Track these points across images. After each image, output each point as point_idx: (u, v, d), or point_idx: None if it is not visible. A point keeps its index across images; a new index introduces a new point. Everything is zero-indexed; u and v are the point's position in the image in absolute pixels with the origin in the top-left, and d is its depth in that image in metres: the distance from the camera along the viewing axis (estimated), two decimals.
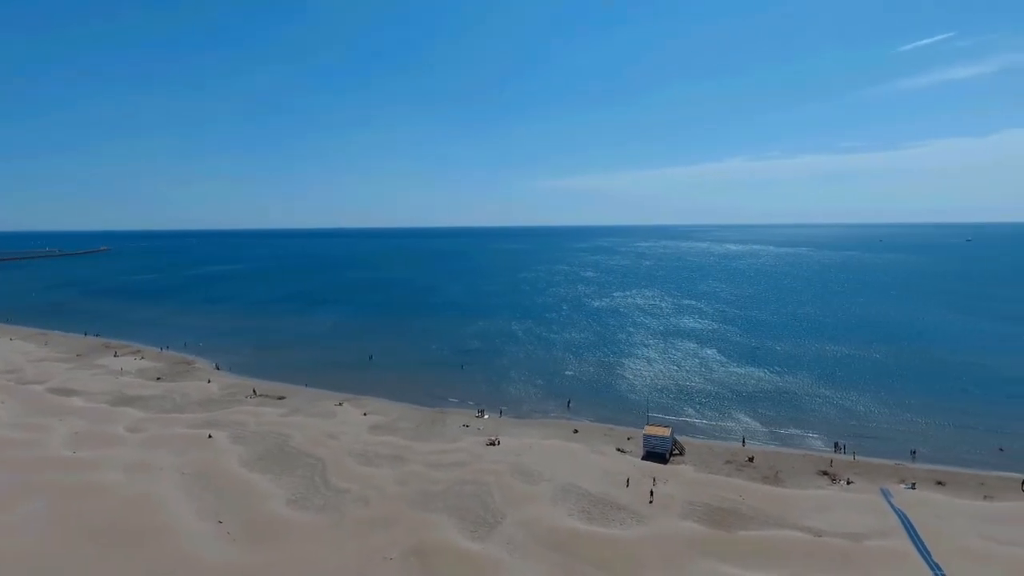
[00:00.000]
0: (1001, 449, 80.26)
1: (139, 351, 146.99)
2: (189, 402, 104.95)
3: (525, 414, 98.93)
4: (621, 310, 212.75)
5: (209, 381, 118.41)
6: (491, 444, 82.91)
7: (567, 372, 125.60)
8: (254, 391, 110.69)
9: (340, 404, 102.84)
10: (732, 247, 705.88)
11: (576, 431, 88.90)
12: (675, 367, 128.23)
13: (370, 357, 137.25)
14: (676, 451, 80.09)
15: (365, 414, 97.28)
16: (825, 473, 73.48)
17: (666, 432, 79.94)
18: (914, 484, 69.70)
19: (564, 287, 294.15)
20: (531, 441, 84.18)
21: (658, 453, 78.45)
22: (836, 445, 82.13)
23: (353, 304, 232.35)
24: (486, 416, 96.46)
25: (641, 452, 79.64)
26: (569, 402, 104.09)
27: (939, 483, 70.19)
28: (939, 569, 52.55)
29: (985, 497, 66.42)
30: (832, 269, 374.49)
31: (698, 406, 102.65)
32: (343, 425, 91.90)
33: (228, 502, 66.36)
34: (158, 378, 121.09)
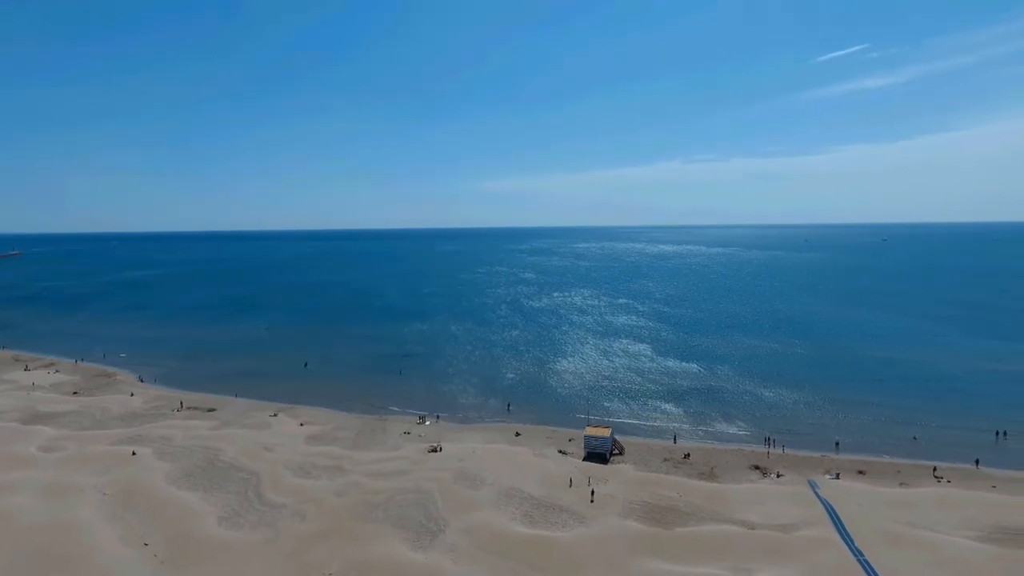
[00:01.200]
0: (915, 438, 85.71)
1: (53, 364, 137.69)
2: (110, 417, 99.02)
3: (467, 419, 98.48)
4: (560, 310, 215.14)
5: (132, 394, 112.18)
6: (433, 451, 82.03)
7: (509, 375, 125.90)
8: (181, 404, 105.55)
9: (275, 415, 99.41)
10: (666, 247, 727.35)
11: (518, 434, 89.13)
12: (614, 367, 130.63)
13: (305, 364, 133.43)
14: (616, 451, 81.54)
15: (302, 424, 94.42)
16: (757, 467, 76.43)
17: (606, 432, 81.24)
18: (838, 474, 73.46)
19: (504, 288, 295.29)
20: (473, 446, 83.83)
21: (599, 453, 79.61)
22: (767, 439, 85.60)
23: (285, 309, 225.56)
24: (427, 422, 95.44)
25: (583, 453, 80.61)
26: (509, 405, 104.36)
27: (860, 472, 74.23)
28: (861, 555, 55.47)
29: (901, 484, 70.69)
30: (759, 268, 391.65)
31: (637, 405, 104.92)
32: (278, 436, 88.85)
33: (155, 523, 62.90)
34: (75, 392, 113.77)
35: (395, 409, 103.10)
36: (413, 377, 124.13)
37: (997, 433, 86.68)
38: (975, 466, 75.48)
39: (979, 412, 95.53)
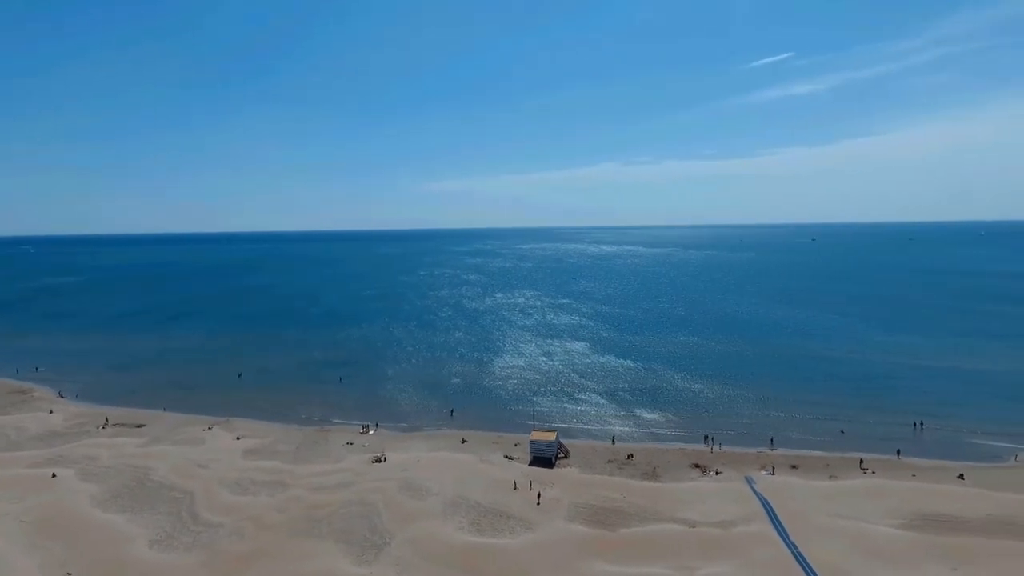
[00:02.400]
0: (842, 432, 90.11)
1: None
2: (26, 437, 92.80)
3: (412, 427, 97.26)
4: (503, 312, 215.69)
5: (51, 412, 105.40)
6: (377, 461, 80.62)
7: (454, 379, 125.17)
8: (107, 420, 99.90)
9: (209, 429, 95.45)
10: (607, 248, 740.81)
11: (464, 441, 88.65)
12: (557, 369, 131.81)
13: (239, 375, 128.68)
14: (562, 454, 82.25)
15: (238, 438, 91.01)
16: (697, 465, 78.60)
17: (551, 437, 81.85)
18: (773, 469, 76.43)
19: (446, 290, 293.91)
20: (419, 455, 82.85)
21: (545, 458, 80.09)
22: (706, 438, 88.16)
23: (217, 317, 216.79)
24: (371, 431, 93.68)
25: (529, 458, 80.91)
26: (452, 411, 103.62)
27: (793, 467, 77.43)
28: (795, 547, 57.87)
29: (831, 477, 74.16)
30: (696, 267, 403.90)
31: (581, 407, 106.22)
32: (213, 452, 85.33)
33: (79, 550, 59.32)
34: None
35: (337, 419, 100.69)
36: (354, 385, 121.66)
37: (915, 424, 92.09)
38: (897, 456, 79.96)
39: (898, 404, 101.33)
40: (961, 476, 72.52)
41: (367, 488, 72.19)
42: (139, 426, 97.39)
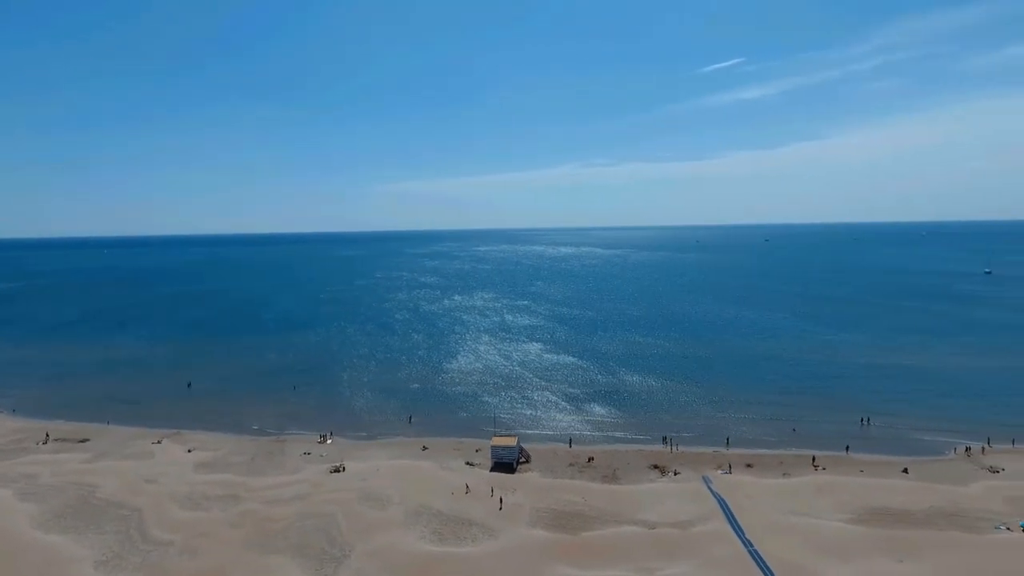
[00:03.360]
0: (794, 430, 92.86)
1: None
2: None
3: (372, 435, 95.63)
4: (462, 315, 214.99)
5: None
6: (336, 471, 79.08)
7: (413, 385, 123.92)
8: (47, 435, 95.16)
9: (158, 442, 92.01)
10: (565, 250, 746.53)
11: (425, 448, 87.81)
12: (517, 372, 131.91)
13: (188, 384, 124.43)
14: (523, 459, 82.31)
15: (190, 451, 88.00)
16: (656, 466, 79.75)
17: (512, 442, 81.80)
18: (730, 468, 78.12)
19: (404, 293, 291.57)
20: (378, 463, 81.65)
21: (506, 463, 79.97)
22: (664, 439, 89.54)
23: (166, 323, 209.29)
24: (329, 441, 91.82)
25: (491, 464, 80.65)
26: (411, 418, 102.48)
27: (748, 465, 79.33)
28: (751, 545, 59.27)
29: (784, 474, 76.30)
30: (653, 269, 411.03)
31: (541, 411, 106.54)
32: (163, 466, 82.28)
33: (18, 574, 56.30)
34: None
35: (293, 428, 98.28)
36: (311, 392, 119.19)
37: (862, 420, 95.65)
38: (846, 452, 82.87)
39: (846, 402, 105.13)
40: (906, 470, 75.63)
41: (325, 499, 70.78)
42: (83, 441, 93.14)
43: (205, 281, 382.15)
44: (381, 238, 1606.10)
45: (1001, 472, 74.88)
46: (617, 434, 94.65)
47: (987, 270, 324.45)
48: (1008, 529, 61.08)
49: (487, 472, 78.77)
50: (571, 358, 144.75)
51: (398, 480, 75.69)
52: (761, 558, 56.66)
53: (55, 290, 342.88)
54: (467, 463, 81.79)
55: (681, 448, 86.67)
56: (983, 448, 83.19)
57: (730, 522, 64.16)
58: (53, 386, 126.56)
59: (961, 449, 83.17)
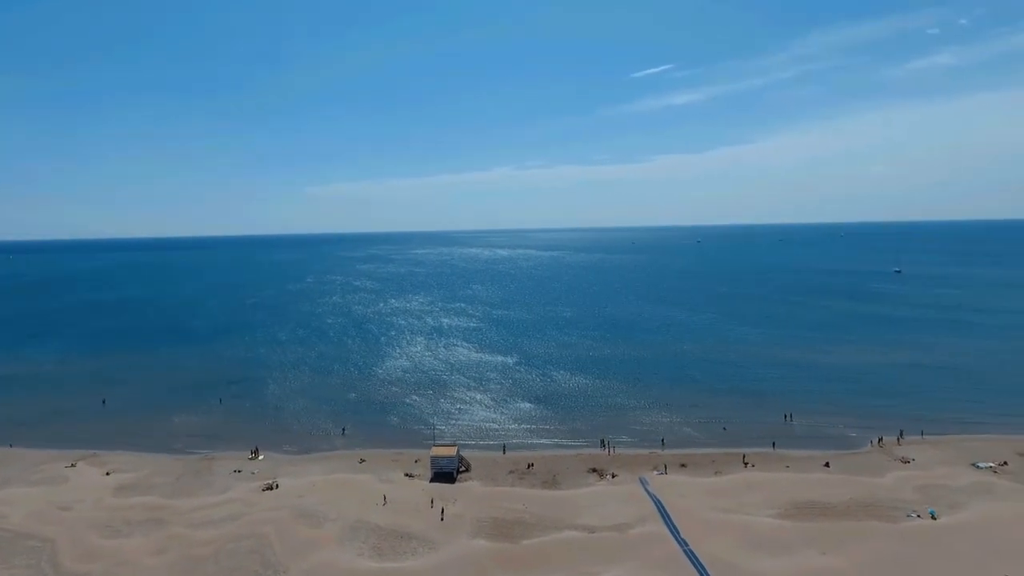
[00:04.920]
0: (724, 428, 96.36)
1: None
2: None
3: (306, 448, 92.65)
4: (398, 320, 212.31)
5: None
6: (268, 488, 76.19)
7: (350, 394, 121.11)
8: None
9: (72, 465, 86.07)
10: (502, 252, 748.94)
11: (363, 460, 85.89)
12: (455, 379, 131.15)
13: (103, 401, 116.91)
14: (463, 468, 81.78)
15: (108, 473, 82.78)
16: (594, 470, 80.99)
17: (452, 451, 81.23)
18: (665, 468, 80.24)
19: (338, 297, 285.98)
20: (314, 479, 79.24)
21: (446, 473, 79.32)
22: (602, 442, 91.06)
23: (76, 335, 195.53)
24: (261, 457, 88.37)
25: (430, 474, 79.75)
26: (344, 429, 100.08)
27: (683, 465, 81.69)
28: (686, 545, 61.02)
29: (716, 473, 79.00)
30: (588, 270, 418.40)
31: (480, 417, 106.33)
32: (78, 491, 77.02)
33: None
34: None
35: (222, 445, 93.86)
36: (240, 406, 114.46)
37: (785, 416, 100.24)
38: (773, 448, 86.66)
39: (770, 398, 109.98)
40: (827, 464, 79.78)
41: (258, 519, 68.11)
42: None
43: (121, 288, 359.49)
44: (314, 241, 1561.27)
45: (912, 462, 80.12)
46: (556, 439, 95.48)
47: (897, 269, 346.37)
48: (919, 516, 65.42)
49: (427, 483, 77.87)
50: (508, 362, 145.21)
51: (335, 495, 73.72)
52: (696, 557, 58.41)
53: None
54: (406, 474, 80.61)
55: (619, 450, 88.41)
56: (898, 439, 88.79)
57: (666, 523, 65.83)
58: None
59: (876, 442, 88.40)
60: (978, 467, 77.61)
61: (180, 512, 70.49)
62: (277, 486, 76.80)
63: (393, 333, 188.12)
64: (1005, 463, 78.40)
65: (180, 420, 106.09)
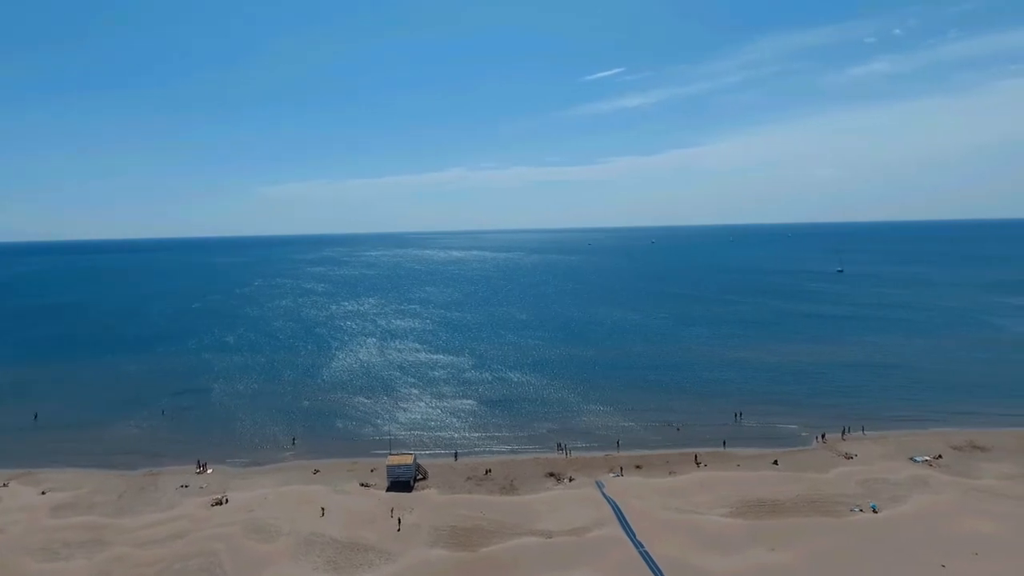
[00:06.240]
0: (678, 429, 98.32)
1: None
2: None
3: (257, 460, 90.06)
4: (350, 325, 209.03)
5: None
6: (218, 503, 73.77)
7: (303, 402, 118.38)
8: None
9: (4, 484, 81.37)
10: (456, 253, 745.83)
11: (317, 471, 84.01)
12: (410, 384, 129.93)
13: (35, 415, 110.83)
14: (420, 476, 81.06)
15: (44, 492, 78.58)
16: (552, 474, 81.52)
17: (408, 460, 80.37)
18: (621, 470, 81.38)
19: (288, 300, 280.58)
20: (265, 492, 77.10)
21: (403, 481, 78.34)
22: (559, 445, 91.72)
23: (1, 344, 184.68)
24: (209, 470, 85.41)
25: (387, 483, 78.65)
26: (294, 439, 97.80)
27: (638, 467, 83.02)
28: (642, 546, 62.05)
29: (670, 473, 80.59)
30: (541, 272, 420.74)
31: (436, 424, 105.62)
32: (11, 513, 72.87)
33: None
34: None
35: (167, 459, 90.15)
36: (185, 417, 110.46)
37: (735, 415, 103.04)
38: (723, 448, 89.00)
39: (720, 398, 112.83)
40: (776, 462, 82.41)
41: (207, 536, 65.91)
42: None
43: (53, 294, 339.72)
44: (263, 243, 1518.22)
45: (855, 458, 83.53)
46: (513, 444, 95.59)
47: (839, 268, 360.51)
48: (861, 511, 68.32)
49: (383, 492, 76.82)
50: (463, 365, 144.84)
51: (288, 508, 71.96)
52: (651, 559, 59.45)
53: None
54: (362, 484, 79.31)
55: (575, 454, 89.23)
56: (842, 435, 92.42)
57: (622, 525, 66.76)
58: None
59: (820, 438, 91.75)
60: (915, 461, 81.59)
61: (123, 531, 67.53)
62: (227, 501, 74.40)
63: (345, 337, 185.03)
64: (940, 456, 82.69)
65: (121, 434, 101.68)
